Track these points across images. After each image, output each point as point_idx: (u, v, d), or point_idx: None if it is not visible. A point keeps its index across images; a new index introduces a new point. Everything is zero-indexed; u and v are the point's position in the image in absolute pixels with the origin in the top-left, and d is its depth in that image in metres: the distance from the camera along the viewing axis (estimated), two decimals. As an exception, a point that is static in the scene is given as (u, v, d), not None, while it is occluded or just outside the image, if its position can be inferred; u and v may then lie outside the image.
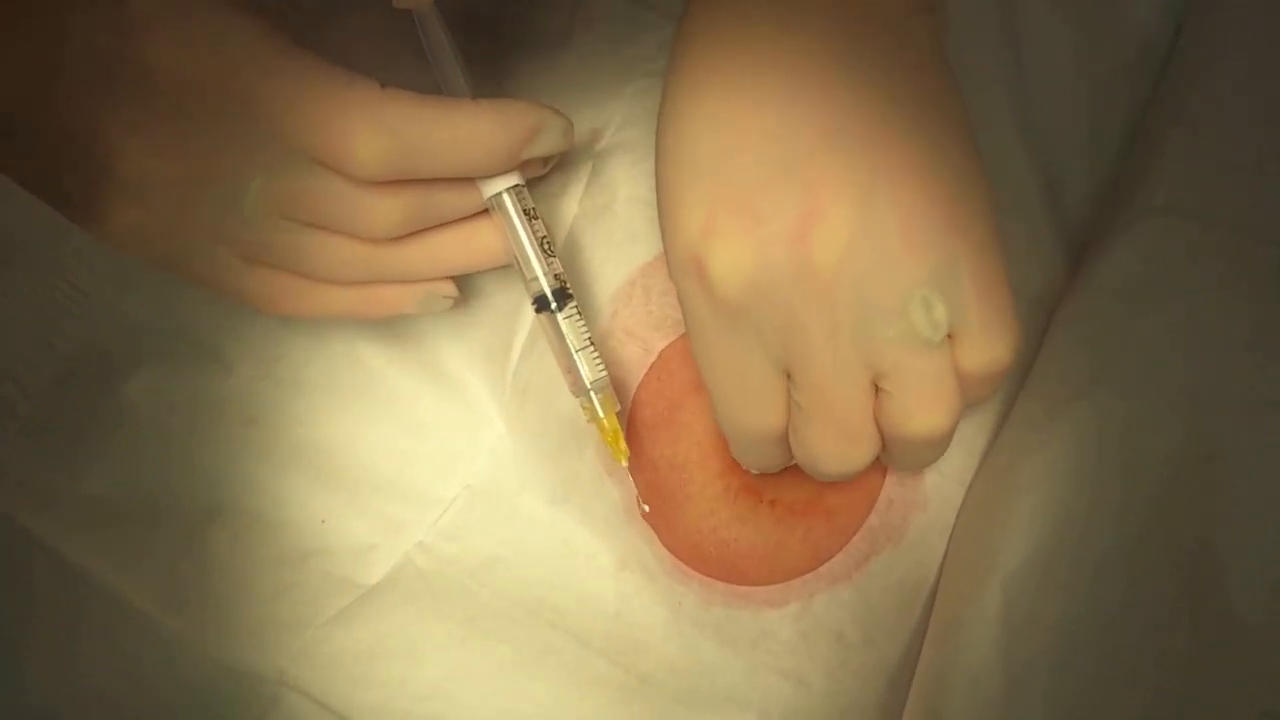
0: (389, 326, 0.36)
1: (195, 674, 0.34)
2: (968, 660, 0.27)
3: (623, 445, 0.32)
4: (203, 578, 0.34)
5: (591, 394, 0.31)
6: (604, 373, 0.32)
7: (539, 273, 0.31)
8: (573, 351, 0.31)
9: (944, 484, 0.33)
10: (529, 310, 0.36)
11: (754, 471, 0.33)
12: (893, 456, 0.28)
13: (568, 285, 0.31)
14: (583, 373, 0.31)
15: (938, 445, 0.27)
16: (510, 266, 0.32)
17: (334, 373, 0.36)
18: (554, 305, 0.31)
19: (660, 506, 0.34)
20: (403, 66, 0.28)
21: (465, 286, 0.36)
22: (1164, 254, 0.29)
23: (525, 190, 0.31)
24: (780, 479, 0.34)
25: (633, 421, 0.35)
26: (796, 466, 0.33)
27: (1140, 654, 0.24)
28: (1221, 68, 0.30)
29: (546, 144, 0.29)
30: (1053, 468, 0.28)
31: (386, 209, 0.28)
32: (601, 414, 0.32)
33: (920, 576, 0.33)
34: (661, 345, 0.35)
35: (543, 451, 0.35)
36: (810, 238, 0.23)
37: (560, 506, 0.35)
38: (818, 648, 0.33)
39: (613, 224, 0.36)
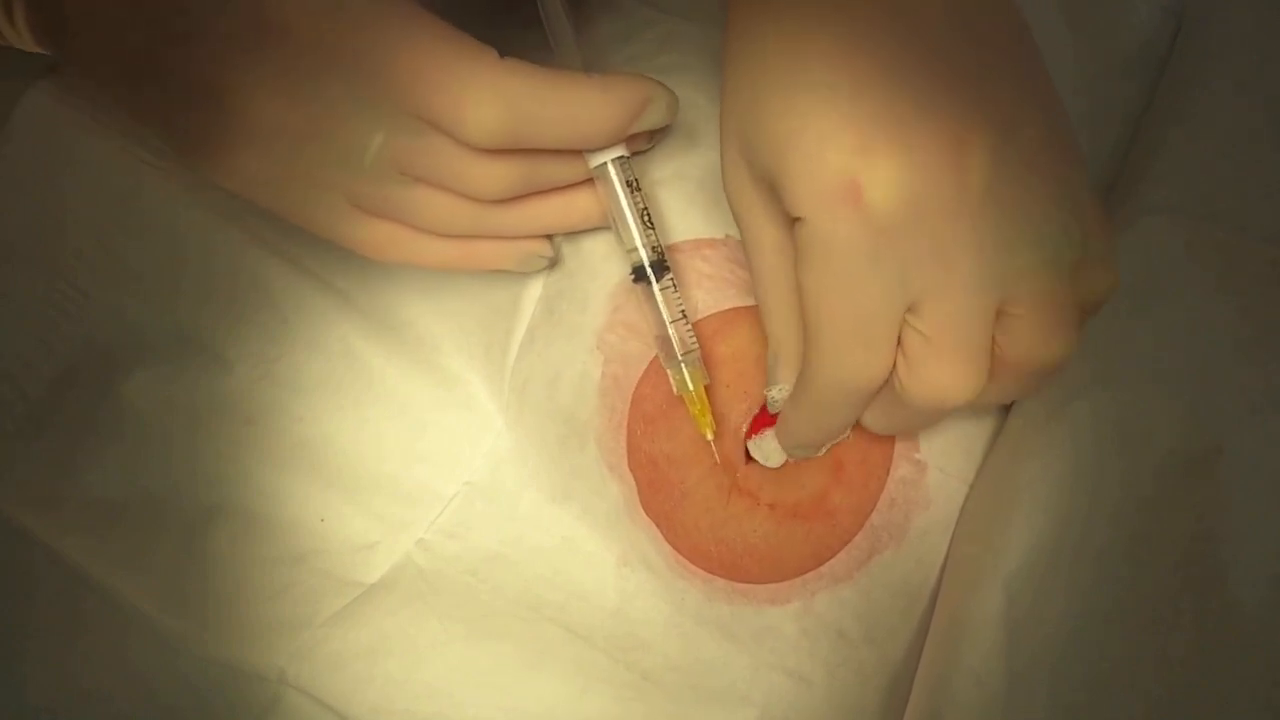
0: (388, 325, 0.36)
1: (195, 674, 0.34)
2: (970, 659, 0.27)
3: (709, 419, 0.32)
4: (203, 578, 0.34)
5: (682, 365, 0.32)
6: (696, 346, 0.32)
7: (639, 243, 0.32)
8: (667, 323, 0.32)
9: (946, 482, 0.33)
10: (527, 306, 0.36)
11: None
12: (1002, 387, 0.27)
13: (665, 257, 0.32)
14: (675, 344, 0.32)
15: (1052, 375, 0.27)
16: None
17: (333, 372, 0.36)
18: (652, 276, 0.32)
19: (660, 503, 0.34)
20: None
21: (462, 282, 0.36)
22: (1164, 252, 0.29)
23: (629, 162, 0.31)
24: (779, 481, 0.34)
25: (632, 417, 0.35)
26: (792, 469, 0.34)
27: (1142, 651, 0.24)
28: (1221, 68, 0.30)
29: (654, 117, 0.30)
30: (1053, 467, 0.28)
31: (495, 175, 0.29)
32: (691, 386, 0.32)
33: (922, 575, 0.33)
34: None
35: (543, 448, 0.35)
36: (964, 162, 0.24)
37: (561, 503, 0.35)
38: (820, 645, 0.33)
39: (613, 220, 0.36)
